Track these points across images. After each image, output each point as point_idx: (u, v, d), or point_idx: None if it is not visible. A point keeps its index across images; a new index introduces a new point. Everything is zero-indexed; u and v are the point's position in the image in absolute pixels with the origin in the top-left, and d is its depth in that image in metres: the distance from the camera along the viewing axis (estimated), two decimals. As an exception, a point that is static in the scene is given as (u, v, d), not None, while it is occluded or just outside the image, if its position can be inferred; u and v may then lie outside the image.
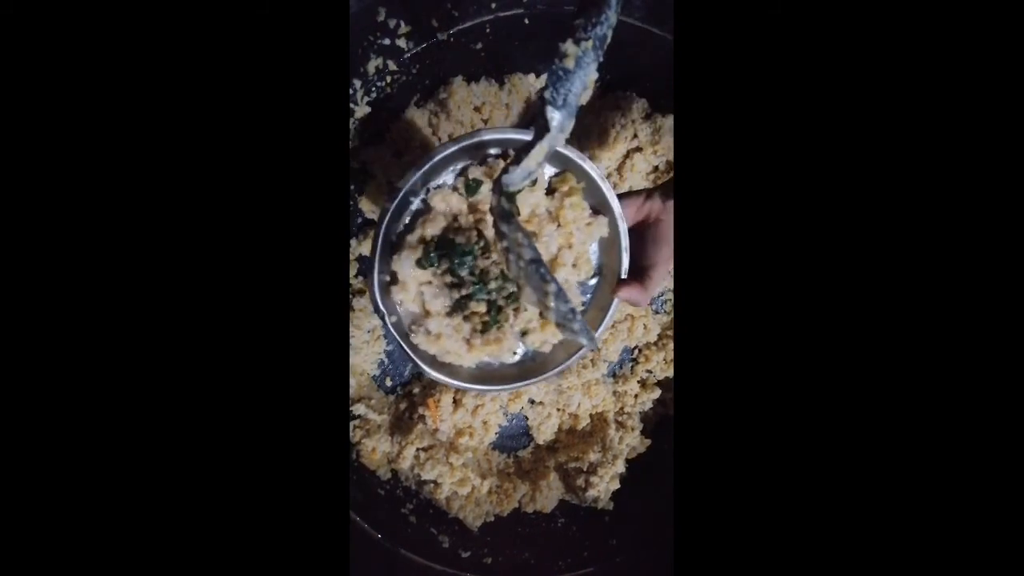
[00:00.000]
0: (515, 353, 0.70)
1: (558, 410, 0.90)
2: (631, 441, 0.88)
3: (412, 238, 0.64)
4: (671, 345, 0.89)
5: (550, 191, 0.66)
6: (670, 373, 0.90)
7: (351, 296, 0.86)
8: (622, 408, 0.90)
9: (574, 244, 0.66)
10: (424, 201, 0.65)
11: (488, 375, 0.70)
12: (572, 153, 0.64)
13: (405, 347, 0.66)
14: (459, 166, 0.65)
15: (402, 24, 0.79)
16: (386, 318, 0.65)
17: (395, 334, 0.66)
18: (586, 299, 0.70)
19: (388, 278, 0.65)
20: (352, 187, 0.86)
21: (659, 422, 0.92)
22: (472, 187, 0.64)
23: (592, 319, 0.69)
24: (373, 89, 0.83)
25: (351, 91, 0.81)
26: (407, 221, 0.65)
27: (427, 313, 0.65)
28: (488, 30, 0.81)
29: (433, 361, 0.68)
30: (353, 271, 0.87)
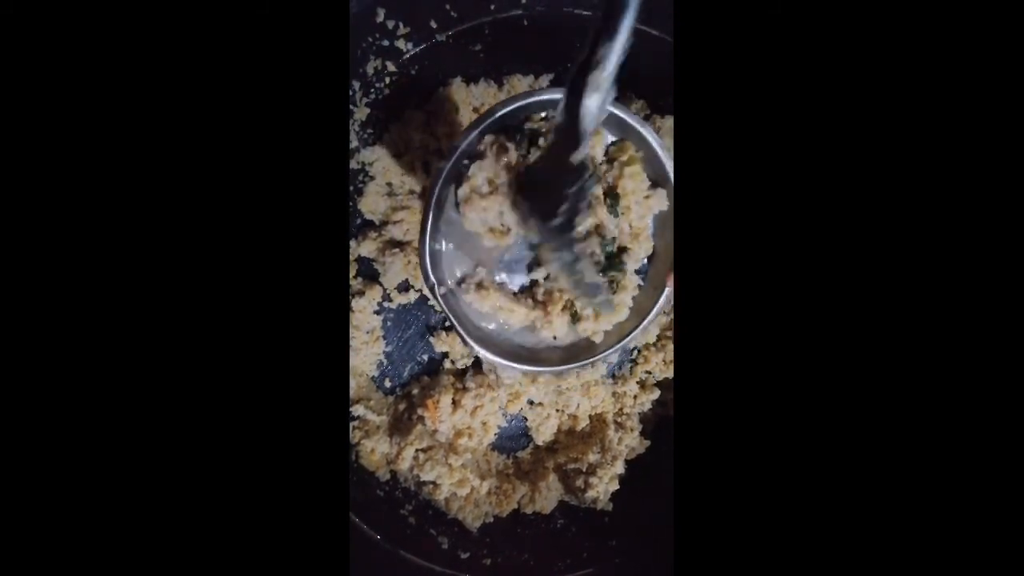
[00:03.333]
0: (555, 338, 0.69)
1: (557, 411, 0.90)
2: (630, 442, 0.88)
3: (463, 191, 0.62)
4: (670, 346, 0.89)
5: (608, 160, 0.63)
6: (669, 374, 0.90)
7: (351, 297, 0.86)
8: (621, 409, 0.90)
9: (633, 221, 0.63)
10: (467, 176, 0.63)
11: (534, 356, 0.69)
12: (632, 118, 0.61)
13: (453, 321, 0.65)
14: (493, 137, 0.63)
15: (401, 25, 0.79)
16: (435, 288, 0.63)
17: (444, 307, 0.64)
18: (640, 280, 0.68)
19: (439, 246, 0.64)
20: (351, 188, 0.86)
21: (658, 423, 0.92)
22: (525, 136, 0.62)
23: (647, 299, 0.66)
24: (372, 90, 0.83)
25: (350, 92, 0.81)
26: (453, 197, 0.64)
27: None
28: (487, 31, 0.81)
29: (480, 334, 0.66)
30: (353, 272, 0.87)
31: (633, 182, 0.62)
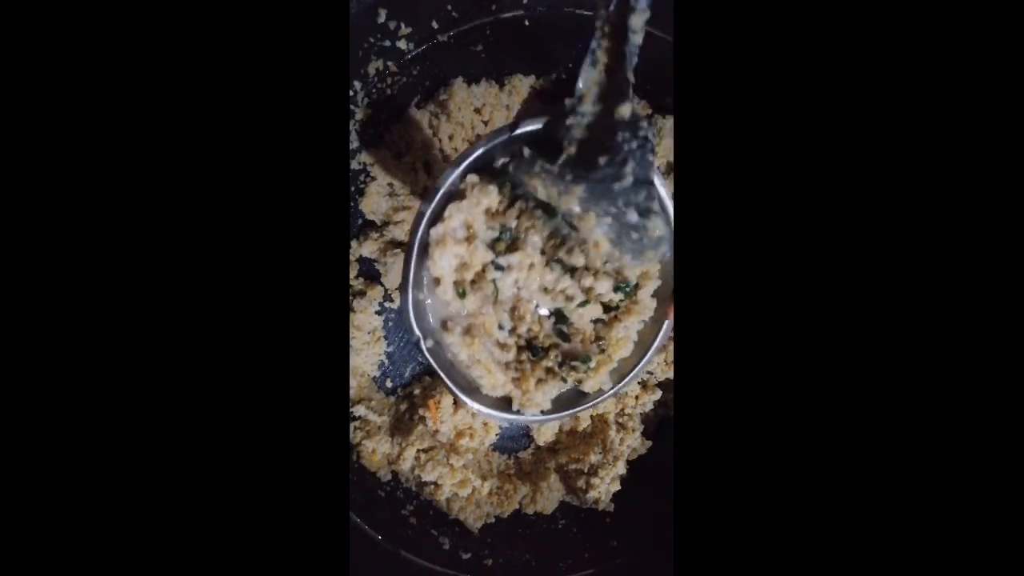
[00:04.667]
0: (542, 412, 0.66)
1: (558, 411, 0.90)
2: (632, 442, 0.88)
3: (437, 231, 0.59)
4: (672, 347, 0.89)
5: None
6: (670, 374, 0.90)
7: (351, 297, 0.86)
8: (623, 409, 0.90)
9: None
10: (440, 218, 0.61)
11: None
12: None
13: (442, 374, 0.63)
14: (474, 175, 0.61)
15: (402, 26, 0.79)
16: (422, 342, 0.61)
17: (431, 360, 0.62)
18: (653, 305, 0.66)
19: (422, 295, 0.62)
20: (352, 189, 0.86)
21: (660, 423, 0.92)
22: (505, 178, 0.60)
23: (648, 332, 0.65)
24: (373, 91, 0.83)
25: (351, 93, 0.81)
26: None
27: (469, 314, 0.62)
28: (488, 32, 0.81)
29: (470, 384, 0.64)
30: (353, 272, 0.87)
31: None
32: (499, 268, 0.61)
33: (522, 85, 0.86)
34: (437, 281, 0.61)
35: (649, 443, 0.89)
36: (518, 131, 0.60)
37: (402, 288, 0.60)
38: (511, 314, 0.62)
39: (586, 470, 0.86)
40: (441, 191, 0.59)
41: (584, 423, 0.89)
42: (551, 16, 0.80)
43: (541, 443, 0.90)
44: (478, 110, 0.86)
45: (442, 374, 0.62)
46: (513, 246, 0.61)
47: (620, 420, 0.89)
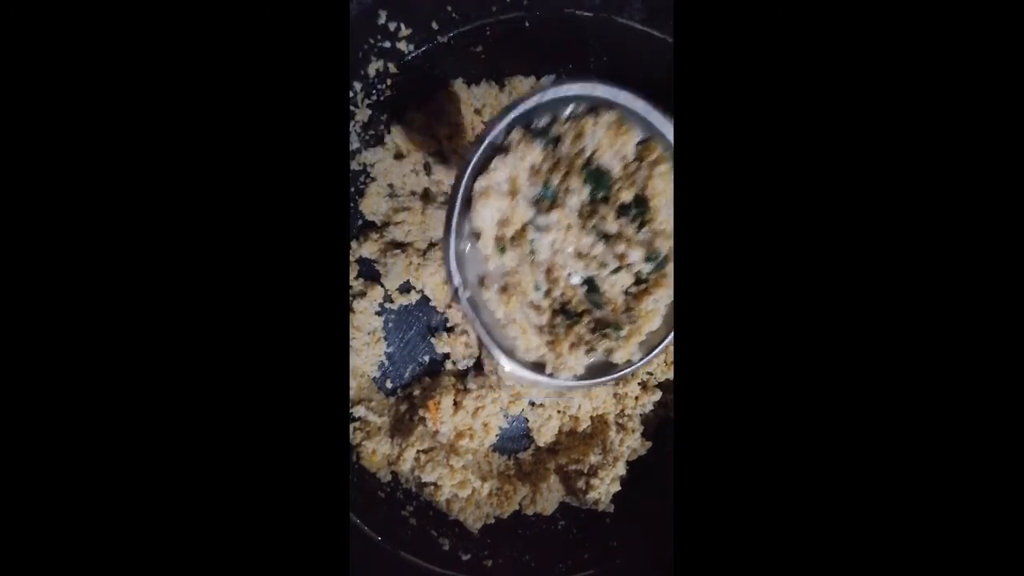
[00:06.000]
0: (576, 377, 0.65)
1: (558, 412, 0.90)
2: (632, 443, 0.88)
3: (481, 183, 0.59)
4: (671, 348, 0.89)
5: (637, 159, 0.61)
6: (671, 375, 0.90)
7: (351, 298, 0.86)
8: (623, 410, 0.90)
9: (664, 224, 0.61)
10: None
11: None
12: (656, 118, 0.59)
13: (480, 331, 0.62)
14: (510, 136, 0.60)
15: (402, 27, 0.79)
16: (460, 291, 0.60)
17: (469, 312, 0.61)
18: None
19: (463, 245, 0.61)
20: (352, 189, 0.86)
21: (660, 424, 0.92)
22: (551, 139, 0.60)
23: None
24: (373, 92, 0.83)
25: (351, 94, 0.81)
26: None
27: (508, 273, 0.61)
28: (488, 33, 0.81)
29: (505, 344, 0.63)
30: (353, 273, 0.87)
31: (663, 181, 0.60)
32: (539, 229, 0.61)
33: (522, 86, 0.86)
34: (477, 236, 0.61)
35: (649, 444, 0.89)
36: (560, 91, 0.58)
37: (444, 236, 0.60)
38: (546, 276, 0.62)
39: (586, 471, 0.86)
40: (486, 142, 0.58)
41: (584, 424, 0.89)
42: (550, 17, 0.80)
43: (541, 444, 0.90)
44: (478, 111, 0.86)
45: (479, 326, 0.62)
46: (553, 205, 0.60)
47: (620, 421, 0.90)
